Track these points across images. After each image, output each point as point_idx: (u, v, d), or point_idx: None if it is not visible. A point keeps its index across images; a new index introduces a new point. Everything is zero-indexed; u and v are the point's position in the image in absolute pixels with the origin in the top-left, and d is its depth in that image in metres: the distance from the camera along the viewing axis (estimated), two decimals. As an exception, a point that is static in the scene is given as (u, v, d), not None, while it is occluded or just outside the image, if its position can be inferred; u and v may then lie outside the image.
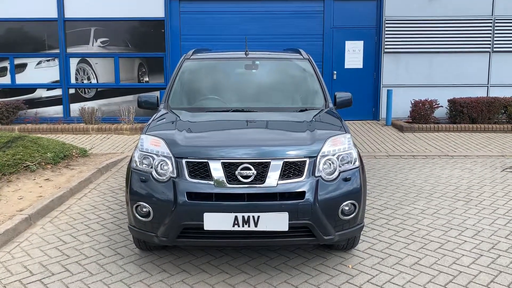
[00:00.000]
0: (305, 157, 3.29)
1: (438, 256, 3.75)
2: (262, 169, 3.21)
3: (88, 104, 10.76)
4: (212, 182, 3.19)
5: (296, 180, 3.23)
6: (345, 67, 11.02)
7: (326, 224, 3.23)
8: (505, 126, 9.68)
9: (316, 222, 3.18)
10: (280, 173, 3.21)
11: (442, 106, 10.27)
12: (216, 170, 3.20)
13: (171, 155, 3.32)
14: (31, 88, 10.93)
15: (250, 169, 3.19)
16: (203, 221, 3.12)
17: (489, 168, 6.72)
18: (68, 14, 10.67)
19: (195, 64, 4.88)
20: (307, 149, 3.34)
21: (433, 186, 5.81)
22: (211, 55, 5.19)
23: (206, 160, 3.24)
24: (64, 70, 10.82)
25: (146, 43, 10.83)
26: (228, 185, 3.19)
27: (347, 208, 3.32)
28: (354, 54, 10.99)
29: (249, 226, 3.11)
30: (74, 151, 6.97)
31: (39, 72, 10.92)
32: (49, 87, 10.96)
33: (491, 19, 10.74)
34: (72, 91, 10.98)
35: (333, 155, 3.38)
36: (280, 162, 3.23)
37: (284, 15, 10.78)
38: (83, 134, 9.70)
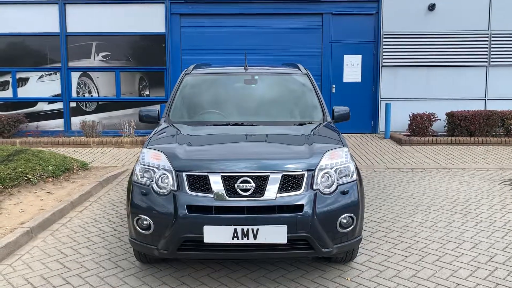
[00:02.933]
0: (303, 170, 3.35)
1: (436, 269, 3.78)
2: (261, 182, 3.27)
3: (89, 118, 10.85)
4: (212, 195, 3.24)
5: (294, 193, 3.28)
6: (344, 81, 11.13)
7: (325, 237, 3.27)
8: (503, 139, 9.76)
9: (315, 235, 3.22)
10: (279, 186, 3.27)
11: (440, 119, 10.35)
12: (216, 183, 3.26)
13: (171, 169, 3.37)
14: (32, 102, 11.03)
15: (249, 182, 3.25)
16: (203, 234, 3.16)
17: (487, 181, 6.76)
18: (70, 28, 10.81)
19: (195, 79, 4.96)
20: (306, 162, 3.40)
21: (431, 199, 5.86)
22: (211, 70, 5.28)
23: (206, 174, 3.29)
24: (66, 83, 10.93)
25: (147, 57, 10.95)
26: (228, 198, 3.23)
27: (345, 221, 3.37)
28: (352, 68, 11.11)
29: (248, 238, 3.16)
30: (75, 164, 7.02)
31: (40, 85, 11.02)
32: (50, 100, 11.05)
33: (488, 33, 10.89)
34: (73, 104, 11.07)
35: (331, 168, 3.43)
36: (279, 176, 3.29)
37: (283, 30, 10.92)
38: (84, 147, 9.76)
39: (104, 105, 11.10)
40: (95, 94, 11.07)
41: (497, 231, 4.66)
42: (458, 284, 3.51)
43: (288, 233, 3.16)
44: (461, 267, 3.81)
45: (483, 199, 5.84)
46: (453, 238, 4.48)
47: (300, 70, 5.12)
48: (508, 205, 5.57)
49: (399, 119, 10.76)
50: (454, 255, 4.06)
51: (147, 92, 11.07)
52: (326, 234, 3.27)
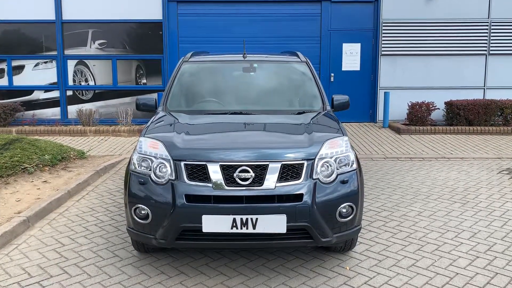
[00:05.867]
0: (303, 159, 3.31)
1: (435, 258, 3.77)
2: (260, 172, 3.23)
3: (86, 106, 10.76)
4: (210, 185, 3.21)
5: (294, 183, 3.25)
6: (343, 69, 11.06)
7: (324, 226, 3.25)
8: (502, 128, 9.74)
9: (314, 224, 3.20)
10: (278, 176, 3.23)
11: (439, 108, 10.32)
12: (215, 172, 3.22)
13: (169, 158, 3.33)
14: (28, 90, 10.93)
15: (248, 171, 3.21)
16: (201, 223, 3.13)
17: (485, 170, 6.75)
18: (66, 16, 10.68)
19: (193, 66, 4.90)
20: (305, 151, 3.36)
21: (430, 188, 5.84)
22: (209, 57, 5.21)
23: (204, 163, 3.25)
24: (62, 72, 10.83)
25: (144, 45, 10.85)
26: (227, 188, 3.20)
27: (344, 210, 3.35)
28: (351, 57, 11.03)
29: (247, 228, 3.13)
30: (72, 153, 6.97)
31: (36, 74, 10.92)
32: (46, 89, 10.96)
33: (488, 22, 10.81)
34: (69, 93, 10.98)
35: (331, 157, 3.40)
36: (278, 165, 3.25)
37: (282, 17, 10.82)
38: (81, 136, 9.70)
39: (101, 94, 11.01)
40: (91, 83, 10.97)
41: (496, 220, 4.66)
42: (457, 273, 3.50)
43: (287, 223, 3.13)
44: (460, 256, 3.80)
45: (481, 188, 5.83)
46: (452, 227, 4.48)
47: (299, 58, 5.06)
48: (506, 194, 5.56)
49: (398, 108, 10.73)
50: (453, 244, 4.05)
51: (144, 81, 10.99)
52: (326, 223, 3.25)
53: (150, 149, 3.46)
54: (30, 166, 5.94)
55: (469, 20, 10.79)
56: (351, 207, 3.37)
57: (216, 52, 6.21)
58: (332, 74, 11.03)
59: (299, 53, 5.22)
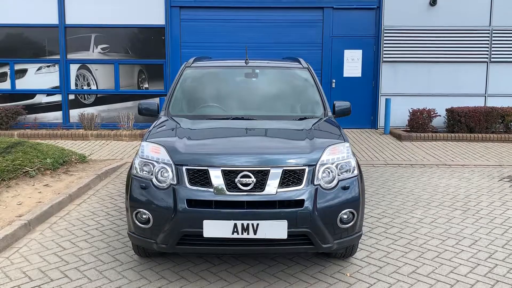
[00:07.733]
0: (304, 165, 3.32)
1: (436, 265, 3.77)
2: (262, 177, 3.24)
3: (88, 110, 10.79)
4: (212, 190, 3.22)
5: (295, 188, 3.25)
6: (344, 75, 11.09)
7: (325, 232, 3.25)
8: (503, 136, 9.74)
9: (315, 230, 3.20)
10: (280, 181, 3.24)
11: (440, 115, 10.33)
12: (216, 177, 3.23)
13: (171, 162, 3.34)
14: (31, 94, 10.97)
15: (249, 177, 3.22)
16: (202, 228, 3.14)
17: (486, 178, 6.75)
18: (69, 20, 10.73)
19: (195, 72, 4.92)
20: (306, 157, 3.37)
21: (431, 195, 5.84)
22: (212, 63, 5.23)
23: (206, 168, 3.27)
24: (64, 76, 10.86)
25: (146, 50, 10.89)
26: (228, 193, 3.21)
27: (345, 216, 3.35)
28: (353, 63, 11.06)
29: (248, 233, 3.13)
30: (73, 157, 6.98)
31: (39, 77, 10.96)
32: (49, 92, 10.99)
33: (489, 30, 10.85)
34: (71, 97, 11.01)
35: (332, 163, 3.41)
36: (280, 170, 3.26)
37: (284, 23, 10.86)
38: (82, 140, 9.71)
39: (103, 98, 11.04)
40: (93, 87, 11.01)
41: (497, 228, 4.65)
42: (458, 281, 3.50)
43: (288, 228, 3.14)
44: (461, 264, 3.80)
45: (482, 195, 5.82)
46: (453, 234, 4.47)
47: (301, 64, 5.08)
48: (507, 201, 5.56)
49: (399, 115, 10.74)
50: (454, 252, 4.05)
51: (146, 85, 11.02)
52: (327, 229, 3.25)
53: (152, 154, 3.47)
54: (31, 169, 5.96)
55: (471, 28, 10.83)
56: (352, 213, 3.37)
57: (218, 57, 6.24)
58: (334, 80, 11.05)
59: (301, 59, 5.24)
